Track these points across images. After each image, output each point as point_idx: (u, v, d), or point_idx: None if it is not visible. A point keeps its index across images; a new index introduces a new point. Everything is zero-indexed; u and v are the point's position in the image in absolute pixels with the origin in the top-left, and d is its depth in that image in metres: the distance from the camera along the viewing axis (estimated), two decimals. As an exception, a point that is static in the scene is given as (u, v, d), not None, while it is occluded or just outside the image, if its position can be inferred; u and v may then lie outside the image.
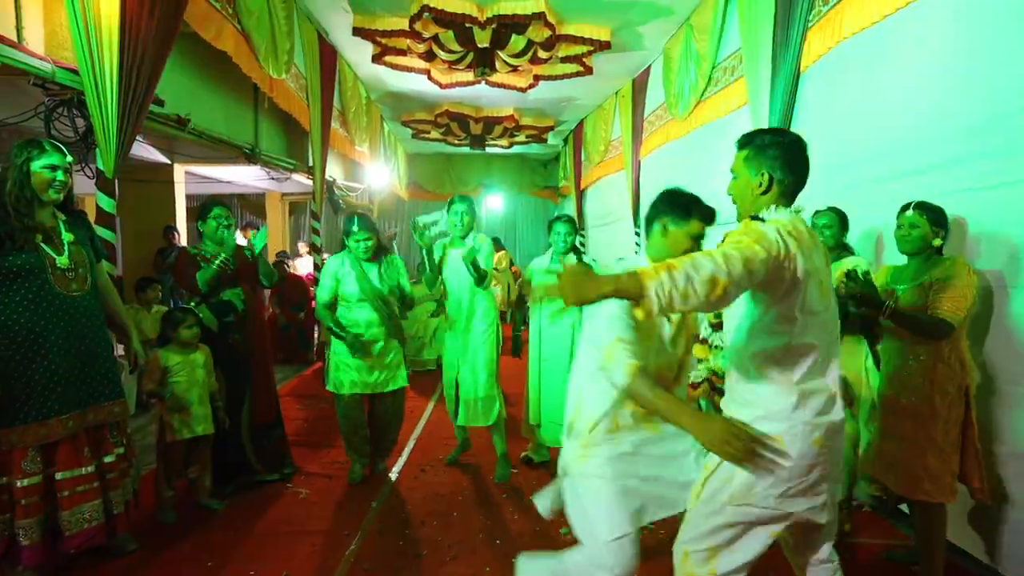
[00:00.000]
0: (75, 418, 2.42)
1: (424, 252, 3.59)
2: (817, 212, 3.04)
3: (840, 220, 3.00)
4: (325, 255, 6.37)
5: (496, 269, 10.24)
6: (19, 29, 3.07)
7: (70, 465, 2.41)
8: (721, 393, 1.88)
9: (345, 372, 3.55)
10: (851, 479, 2.85)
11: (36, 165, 2.37)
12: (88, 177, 3.33)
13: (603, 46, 6.16)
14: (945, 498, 2.32)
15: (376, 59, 6.73)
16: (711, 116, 5.28)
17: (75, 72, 3.04)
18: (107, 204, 3.24)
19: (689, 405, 1.77)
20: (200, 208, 3.42)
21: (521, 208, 14.51)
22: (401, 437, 4.47)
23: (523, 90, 7.62)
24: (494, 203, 13.52)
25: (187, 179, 7.11)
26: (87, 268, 2.52)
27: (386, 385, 3.62)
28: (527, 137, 10.67)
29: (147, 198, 6.67)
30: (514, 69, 6.71)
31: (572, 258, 3.84)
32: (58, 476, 2.39)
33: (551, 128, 10.33)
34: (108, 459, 2.55)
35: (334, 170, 7.87)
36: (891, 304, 2.36)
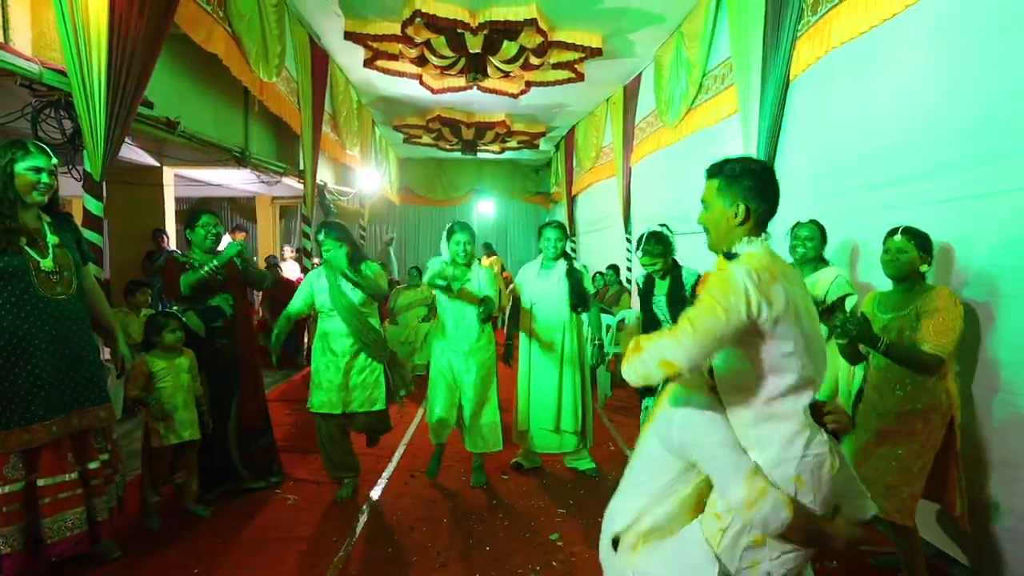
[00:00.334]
0: (59, 423, 2.39)
1: (441, 289, 3.52)
2: (798, 224, 3.07)
3: (821, 233, 3.03)
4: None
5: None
6: (6, 30, 3.04)
7: (53, 471, 2.37)
8: None
9: (316, 391, 3.41)
10: None
11: (20, 167, 2.34)
12: (75, 179, 3.30)
13: (594, 53, 6.20)
14: (907, 521, 2.34)
15: (368, 63, 6.73)
16: (701, 124, 5.32)
17: (63, 73, 3.02)
18: (94, 207, 3.21)
19: None
20: (188, 215, 3.38)
21: (512, 214, 14.54)
22: (390, 442, 4.45)
23: (515, 96, 7.64)
24: (485, 208, 13.54)
25: (176, 182, 7.05)
26: (72, 271, 2.49)
27: (358, 405, 3.40)
28: (519, 143, 10.70)
29: (136, 201, 6.61)
30: (506, 75, 6.74)
31: (563, 263, 3.84)
32: (40, 483, 2.34)
33: (543, 134, 10.37)
34: (92, 465, 2.51)
35: (325, 174, 7.85)
36: (886, 340, 2.35)
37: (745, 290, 1.48)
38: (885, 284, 2.63)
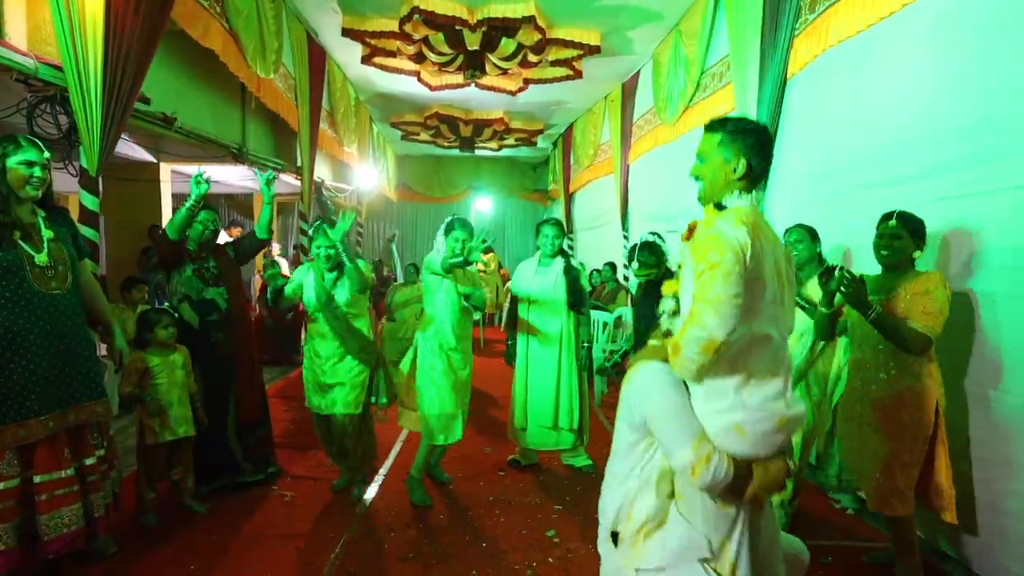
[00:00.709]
0: (55, 419, 2.38)
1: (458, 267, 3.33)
2: (787, 230, 3.08)
3: (810, 235, 3.04)
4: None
5: (484, 271, 10.25)
6: (1, 24, 3.03)
7: (49, 468, 2.36)
8: None
9: (306, 388, 3.47)
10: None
11: (12, 161, 2.33)
12: (71, 175, 3.29)
13: (593, 50, 6.20)
14: (907, 511, 2.37)
15: (365, 60, 6.71)
16: (699, 122, 5.31)
17: (58, 68, 3.00)
18: (90, 202, 3.20)
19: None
20: (197, 203, 3.30)
21: (510, 211, 14.53)
22: (388, 439, 4.45)
23: (513, 93, 7.64)
24: (483, 206, 13.53)
25: (173, 178, 7.03)
26: (67, 266, 2.48)
27: (333, 406, 3.35)
28: (517, 140, 10.69)
29: (132, 197, 6.59)
30: (504, 72, 6.73)
31: (560, 261, 3.83)
32: (36, 479, 2.33)
33: (540, 131, 10.37)
34: (89, 461, 2.50)
35: (322, 171, 7.84)
36: (878, 309, 2.37)
37: (737, 242, 1.54)
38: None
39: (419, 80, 7.31)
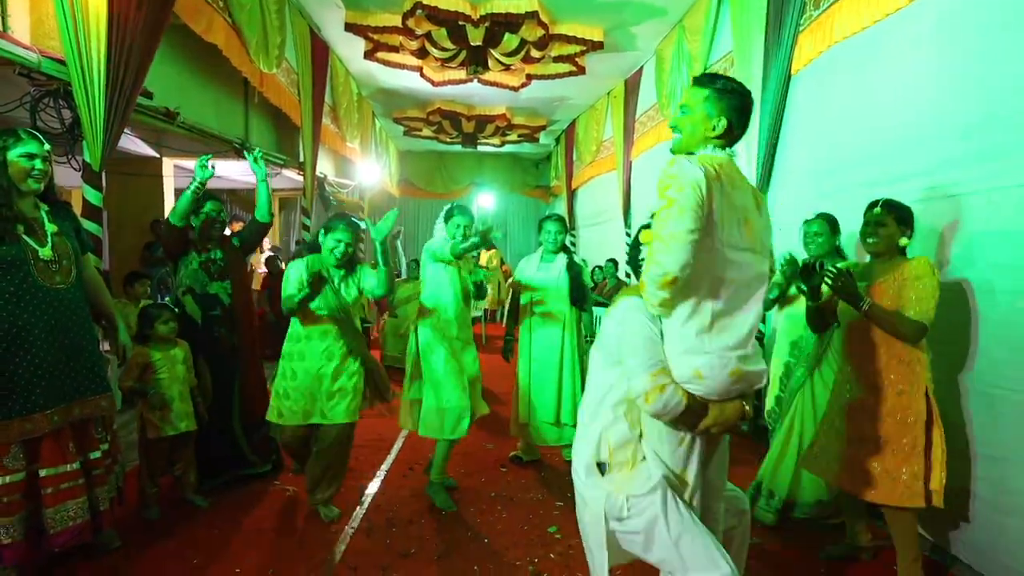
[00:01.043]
0: (60, 412, 2.38)
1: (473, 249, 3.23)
2: (807, 220, 3.06)
3: (830, 226, 3.01)
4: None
5: (486, 267, 10.25)
6: (4, 18, 3.02)
7: (54, 462, 2.37)
8: None
9: (283, 399, 3.05)
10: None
11: (13, 154, 2.32)
12: (75, 169, 3.29)
13: (596, 46, 6.18)
14: (916, 503, 2.32)
15: (368, 55, 6.70)
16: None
17: (62, 62, 3.00)
18: (94, 197, 3.20)
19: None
20: (201, 187, 3.25)
21: (512, 207, 14.52)
22: (389, 436, 4.46)
23: (515, 89, 7.62)
24: (485, 202, 13.52)
25: (176, 173, 7.03)
26: (71, 260, 2.48)
27: (336, 416, 3.02)
28: (519, 136, 10.68)
29: (135, 191, 6.59)
30: (507, 68, 6.71)
31: (563, 257, 3.84)
32: (42, 473, 2.34)
33: (543, 127, 10.35)
34: (94, 455, 2.51)
35: (325, 166, 7.83)
36: (869, 300, 2.39)
37: (695, 179, 1.60)
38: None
39: (422, 75, 7.30)
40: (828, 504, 2.97)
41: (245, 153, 3.63)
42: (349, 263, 3.10)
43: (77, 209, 2.92)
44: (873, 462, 2.41)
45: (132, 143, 5.62)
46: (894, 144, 3.06)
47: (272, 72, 4.93)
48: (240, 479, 3.49)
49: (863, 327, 2.47)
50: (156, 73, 3.40)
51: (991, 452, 2.48)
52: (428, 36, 5.93)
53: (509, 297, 4.05)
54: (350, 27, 5.91)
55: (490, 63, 6.40)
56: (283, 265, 8.32)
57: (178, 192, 7.51)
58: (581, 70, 6.91)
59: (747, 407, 1.75)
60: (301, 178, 6.65)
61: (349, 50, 6.78)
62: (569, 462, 3.90)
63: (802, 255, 3.17)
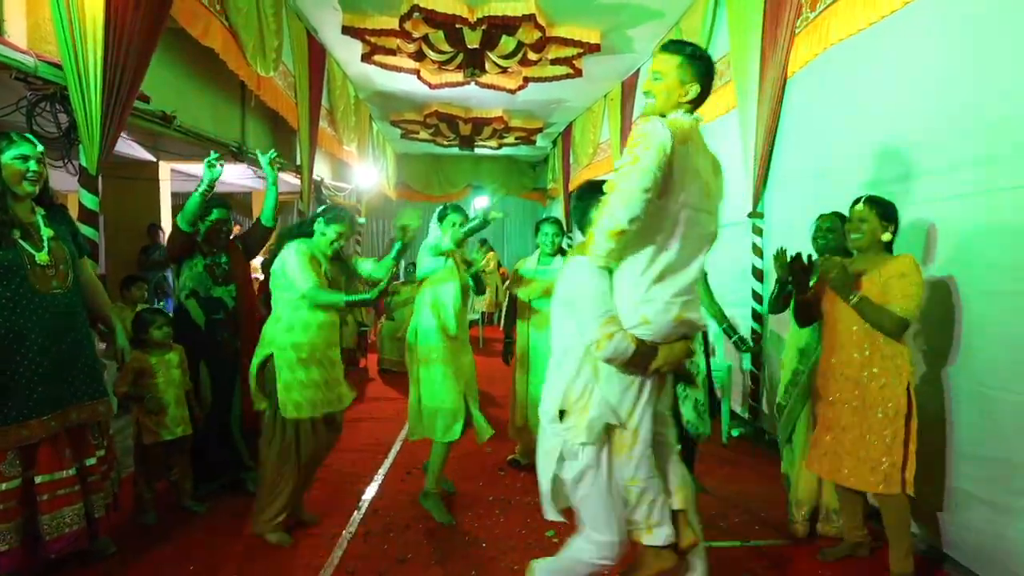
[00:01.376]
0: (57, 418, 2.37)
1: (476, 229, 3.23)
2: (821, 216, 3.04)
3: (843, 224, 3.01)
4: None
5: (483, 271, 10.24)
6: (0, 22, 3.01)
7: (51, 468, 2.36)
8: None
9: (301, 390, 2.85)
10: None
11: (6, 157, 2.31)
12: (71, 173, 3.27)
13: (593, 48, 6.18)
14: (892, 489, 2.42)
15: (365, 58, 6.70)
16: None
17: (58, 66, 2.99)
18: (90, 201, 3.18)
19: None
20: (210, 188, 3.23)
21: (509, 209, 14.51)
22: (387, 440, 4.45)
23: (512, 91, 7.62)
24: (482, 204, 13.51)
25: (173, 177, 7.02)
26: (68, 264, 2.47)
27: (342, 401, 3.05)
28: (516, 139, 10.67)
29: (132, 195, 6.58)
30: (504, 70, 6.71)
31: (560, 260, 3.84)
32: (38, 479, 2.33)
33: (540, 130, 10.35)
34: (90, 462, 2.50)
35: (322, 169, 7.82)
36: (856, 296, 2.45)
37: (662, 142, 1.71)
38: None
39: (419, 78, 7.29)
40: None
41: (259, 155, 3.61)
42: (337, 255, 3.09)
43: (73, 213, 2.91)
44: (855, 451, 2.49)
45: (129, 147, 5.61)
46: (890, 146, 3.07)
47: (269, 75, 4.92)
48: (236, 483, 3.47)
49: (848, 321, 2.52)
50: (153, 77, 3.39)
51: (987, 453, 2.48)
52: (425, 39, 5.93)
53: (507, 300, 4.04)
54: (347, 30, 5.90)
55: (487, 66, 6.40)
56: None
57: (175, 196, 7.51)
58: (578, 72, 6.92)
59: (692, 346, 1.95)
60: (298, 181, 6.64)
61: (346, 53, 6.77)
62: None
63: (806, 251, 3.18)
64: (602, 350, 1.81)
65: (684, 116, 1.85)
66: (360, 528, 3.12)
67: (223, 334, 3.36)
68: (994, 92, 2.46)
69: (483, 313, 9.77)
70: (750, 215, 4.33)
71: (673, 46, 1.90)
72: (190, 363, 3.26)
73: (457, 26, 5.57)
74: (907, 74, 2.96)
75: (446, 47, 5.99)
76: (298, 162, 6.49)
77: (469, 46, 5.92)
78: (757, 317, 4.45)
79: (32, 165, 2.35)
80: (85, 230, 3.03)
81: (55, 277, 2.40)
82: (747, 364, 4.60)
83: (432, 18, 5.40)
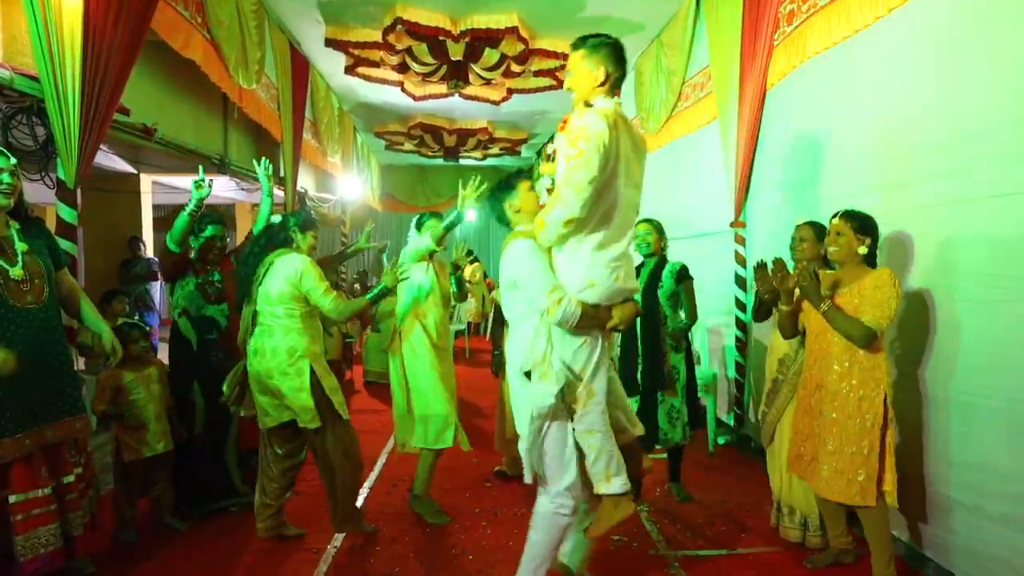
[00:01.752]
0: (32, 436, 2.32)
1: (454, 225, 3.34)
2: (798, 226, 3.09)
3: (817, 234, 3.05)
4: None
5: (470, 282, 10.23)
6: (-24, 35, 2.98)
7: (25, 487, 2.30)
8: None
9: (337, 393, 2.92)
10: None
11: None
12: (48, 187, 3.23)
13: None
14: (868, 501, 2.43)
15: (349, 70, 6.70)
16: (682, 131, 5.37)
17: (35, 79, 2.96)
18: (68, 214, 3.14)
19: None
20: (198, 207, 3.20)
21: (495, 220, 14.51)
22: (372, 452, 4.41)
23: (496, 103, 7.66)
24: (468, 215, 13.53)
25: (154, 189, 6.96)
26: (44, 279, 2.42)
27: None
28: (501, 149, 10.72)
29: (112, 208, 6.51)
30: (487, 82, 6.75)
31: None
32: (12, 499, 2.28)
33: (524, 141, 10.40)
34: (67, 479, 2.45)
35: (306, 181, 7.79)
36: (826, 304, 2.50)
37: (600, 134, 1.94)
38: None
39: (403, 90, 7.31)
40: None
41: (254, 163, 3.59)
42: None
43: (52, 226, 2.87)
44: (831, 463, 2.51)
45: (109, 159, 5.55)
46: (868, 156, 3.12)
47: (252, 88, 4.90)
48: (222, 508, 3.38)
49: (828, 333, 2.55)
50: (133, 89, 3.36)
51: (965, 458, 2.52)
52: (409, 51, 5.95)
53: (493, 310, 4.04)
54: (330, 42, 5.91)
55: (471, 77, 6.43)
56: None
57: (157, 208, 7.44)
58: (561, 84, 6.92)
59: (639, 308, 2.33)
60: (282, 193, 6.61)
61: (330, 65, 6.77)
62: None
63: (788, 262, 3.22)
64: (553, 315, 2.04)
65: (606, 101, 2.09)
66: (345, 542, 3.09)
67: (216, 354, 3.29)
68: (967, 103, 2.52)
69: (469, 323, 9.75)
70: (732, 225, 4.37)
71: (576, 42, 2.15)
72: (183, 383, 3.21)
73: (440, 38, 5.60)
74: (883, 87, 3.01)
75: (429, 59, 6.02)
76: (282, 174, 6.46)
77: (452, 58, 5.95)
78: (741, 325, 4.48)
79: (5, 177, 2.32)
80: (63, 244, 2.99)
81: (30, 292, 2.36)
82: (732, 372, 4.64)
83: (415, 31, 5.42)
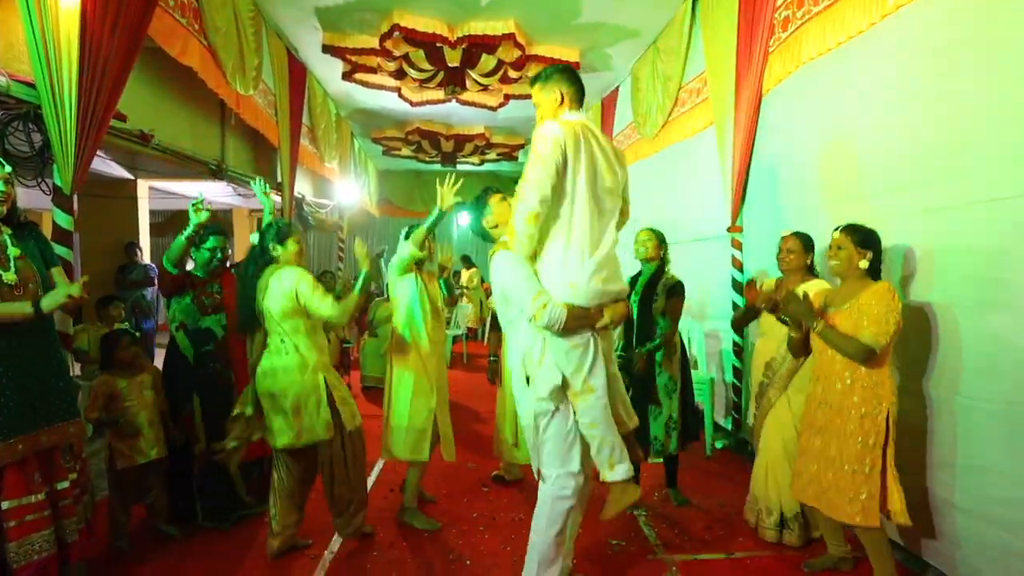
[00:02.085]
0: (25, 442, 2.31)
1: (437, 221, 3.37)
2: (783, 236, 3.11)
3: (804, 244, 3.07)
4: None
5: (467, 287, 10.23)
6: (-27, 42, 2.99)
7: (18, 493, 2.29)
8: None
9: (349, 403, 3.06)
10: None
11: None
12: (45, 193, 3.23)
13: (572, 67, 6.25)
14: (871, 522, 2.40)
15: (346, 76, 6.72)
16: (679, 136, 5.39)
17: (31, 85, 2.96)
18: (64, 220, 3.14)
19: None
20: (196, 232, 3.19)
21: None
22: (370, 458, 4.39)
23: (493, 108, 7.68)
24: (465, 220, 13.53)
25: (151, 194, 6.96)
26: (37, 283, 2.41)
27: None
28: (498, 155, 10.73)
29: (109, 214, 6.51)
30: (484, 88, 6.77)
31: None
32: (5, 505, 2.26)
33: (522, 146, 10.42)
34: (61, 485, 2.43)
35: (303, 186, 7.80)
36: (820, 324, 2.49)
37: (554, 136, 2.10)
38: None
39: (400, 96, 7.32)
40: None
41: (251, 184, 3.60)
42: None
43: (48, 232, 2.86)
44: (835, 482, 2.48)
45: (106, 165, 5.56)
46: (862, 161, 3.13)
47: (249, 94, 4.91)
48: (239, 518, 3.33)
49: (829, 350, 2.53)
50: (130, 95, 3.36)
51: (967, 462, 2.52)
52: (406, 57, 5.97)
53: (491, 315, 4.04)
54: (327, 49, 5.93)
55: (468, 83, 6.45)
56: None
57: (153, 214, 7.44)
58: (558, 90, 6.98)
59: (630, 308, 2.51)
60: (279, 199, 6.61)
61: (327, 71, 6.79)
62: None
63: (776, 273, 3.23)
64: (540, 319, 2.14)
65: (572, 115, 2.26)
66: (342, 548, 3.08)
67: (214, 365, 3.25)
68: (960, 108, 2.53)
69: (468, 328, 9.74)
70: (729, 230, 4.38)
71: (531, 80, 2.38)
72: (183, 397, 3.19)
73: (437, 45, 5.62)
74: (877, 91, 3.03)
75: (427, 65, 6.04)
76: (279, 179, 6.47)
77: (449, 64, 5.97)
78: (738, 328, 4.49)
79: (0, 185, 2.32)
80: (59, 250, 2.99)
81: (23, 297, 2.34)
82: (729, 376, 4.64)
83: (412, 37, 5.44)
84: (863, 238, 2.54)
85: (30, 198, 2.80)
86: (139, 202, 6.76)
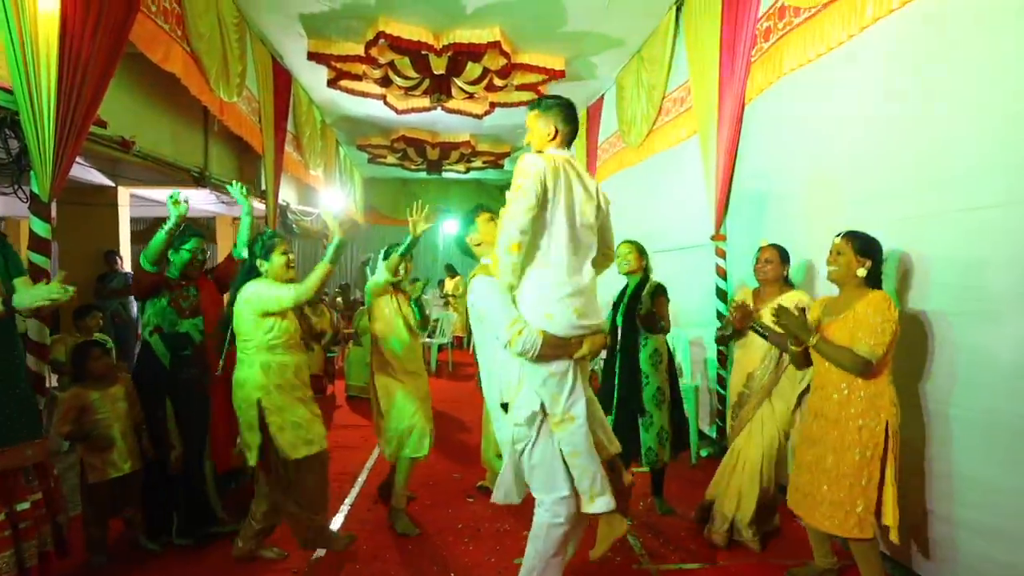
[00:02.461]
0: None
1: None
2: (760, 248, 3.14)
3: (780, 256, 3.09)
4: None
5: (453, 296, 10.20)
6: (-52, 47, 2.93)
7: (-28, 516, 2.16)
8: None
9: (304, 428, 2.89)
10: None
11: None
12: (21, 200, 3.17)
13: (557, 75, 6.30)
14: (866, 534, 2.39)
15: (331, 83, 6.70)
16: (663, 145, 5.43)
17: (8, 91, 2.91)
18: (41, 228, 3.08)
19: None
20: (177, 226, 3.11)
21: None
22: (352, 470, 4.36)
23: (479, 116, 7.69)
24: (452, 228, 13.53)
25: (132, 202, 6.87)
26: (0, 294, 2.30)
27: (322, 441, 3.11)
28: (483, 163, 10.75)
29: (88, 222, 6.41)
30: (470, 96, 6.78)
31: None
32: (-42, 528, 2.15)
33: (507, 154, 10.44)
34: (21, 506, 2.29)
35: (288, 194, 7.74)
36: (815, 337, 2.48)
37: (536, 169, 2.13)
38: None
39: (385, 103, 7.32)
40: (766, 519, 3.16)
41: (228, 186, 3.56)
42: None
43: (24, 240, 2.79)
44: (830, 494, 2.45)
45: (86, 172, 5.48)
46: (842, 171, 3.17)
47: (233, 101, 4.87)
48: (214, 535, 3.23)
49: (827, 362, 2.50)
50: (111, 101, 3.32)
51: (948, 469, 2.54)
52: (391, 65, 5.96)
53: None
54: (312, 56, 5.91)
55: (453, 91, 6.46)
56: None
57: (134, 221, 7.33)
58: (543, 98, 7.01)
59: (608, 337, 2.51)
60: (263, 206, 6.56)
61: (312, 78, 6.77)
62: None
63: (753, 283, 3.26)
64: (515, 346, 2.12)
65: (557, 151, 2.29)
66: (326, 560, 3.03)
67: (190, 371, 3.15)
68: (939, 120, 2.57)
69: (453, 337, 9.71)
70: (713, 238, 4.41)
71: (532, 104, 2.37)
72: (156, 402, 3.10)
73: (423, 52, 5.63)
74: (857, 103, 3.07)
75: (412, 73, 6.04)
76: (263, 187, 6.42)
77: (435, 72, 5.97)
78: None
79: None
80: (36, 258, 2.93)
81: None
82: (713, 384, 4.66)
83: (398, 45, 5.44)
84: (863, 245, 2.50)
85: (7, 206, 2.74)
86: (120, 210, 6.67)
